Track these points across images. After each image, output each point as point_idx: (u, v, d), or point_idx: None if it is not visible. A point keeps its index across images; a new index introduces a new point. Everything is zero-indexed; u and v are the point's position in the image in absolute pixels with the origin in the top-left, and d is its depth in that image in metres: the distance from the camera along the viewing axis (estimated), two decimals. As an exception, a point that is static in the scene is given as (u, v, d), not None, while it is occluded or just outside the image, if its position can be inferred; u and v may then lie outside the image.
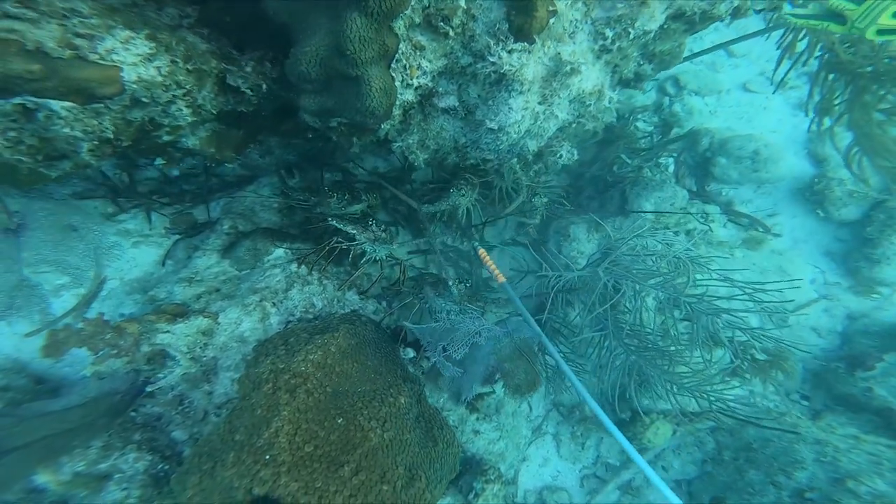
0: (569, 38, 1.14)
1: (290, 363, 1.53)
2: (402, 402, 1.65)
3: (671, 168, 2.48)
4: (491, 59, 1.14)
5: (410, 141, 1.54)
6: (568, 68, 1.16)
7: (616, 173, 2.38)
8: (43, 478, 1.70)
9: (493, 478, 2.17)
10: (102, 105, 1.11)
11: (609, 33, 1.19)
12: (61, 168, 1.26)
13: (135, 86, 1.10)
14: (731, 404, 2.13)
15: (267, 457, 1.37)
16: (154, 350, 1.77)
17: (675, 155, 2.45)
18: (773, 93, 2.49)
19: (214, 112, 1.29)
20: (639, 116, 2.43)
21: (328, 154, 2.42)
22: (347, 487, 1.39)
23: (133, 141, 1.25)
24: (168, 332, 1.80)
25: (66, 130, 1.10)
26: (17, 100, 1.03)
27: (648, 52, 1.38)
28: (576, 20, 1.13)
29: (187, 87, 1.17)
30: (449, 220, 2.41)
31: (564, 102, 1.27)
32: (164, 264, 2.25)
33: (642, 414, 2.19)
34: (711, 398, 2.04)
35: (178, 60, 1.12)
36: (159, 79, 1.11)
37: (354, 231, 1.98)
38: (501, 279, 1.89)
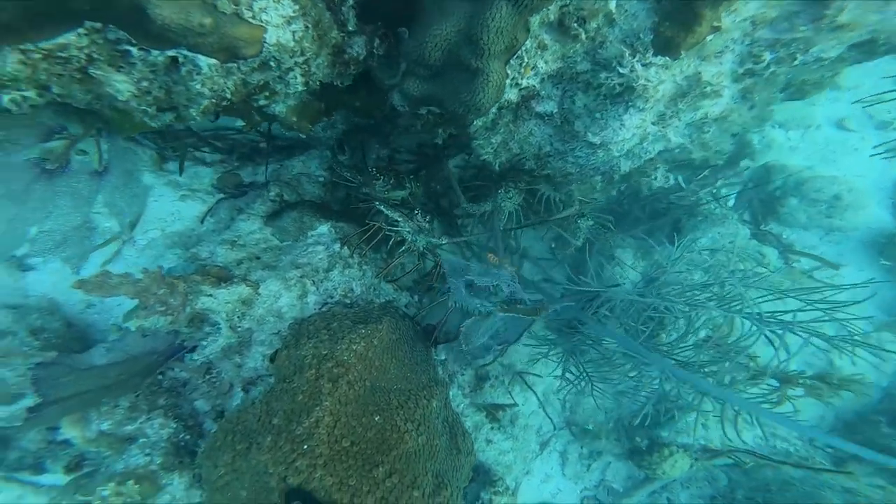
0: (715, 58, 1.04)
1: (334, 351, 1.44)
2: (434, 405, 1.57)
3: (731, 202, 2.39)
4: (621, 70, 1.04)
5: (493, 140, 1.45)
6: (707, 89, 1.06)
7: (670, 199, 2.28)
8: (71, 432, 1.64)
9: (500, 489, 2.11)
10: (236, 65, 1.05)
11: (767, 57, 1.08)
12: (163, 120, 1.19)
13: (271, 48, 1.03)
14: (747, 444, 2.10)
15: (305, 447, 1.29)
16: (195, 312, 1.69)
17: (737, 188, 2.35)
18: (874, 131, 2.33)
19: (319, 83, 1.21)
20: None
21: (385, 136, 2.33)
22: (380, 489, 1.32)
23: (234, 102, 1.18)
24: (211, 296, 1.71)
25: (198, 87, 1.03)
26: (173, 52, 0.97)
27: (793, 82, 1.28)
28: (733, 40, 1.03)
29: (308, 55, 1.08)
30: (487, 221, 2.33)
31: (682, 126, 1.18)
32: (202, 221, 2.17)
33: (663, 445, 2.13)
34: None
35: (309, 26, 1.03)
36: (291, 44, 1.03)
37: (400, 218, 1.90)
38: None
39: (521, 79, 1.19)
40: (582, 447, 2.40)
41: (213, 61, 1.00)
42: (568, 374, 2.19)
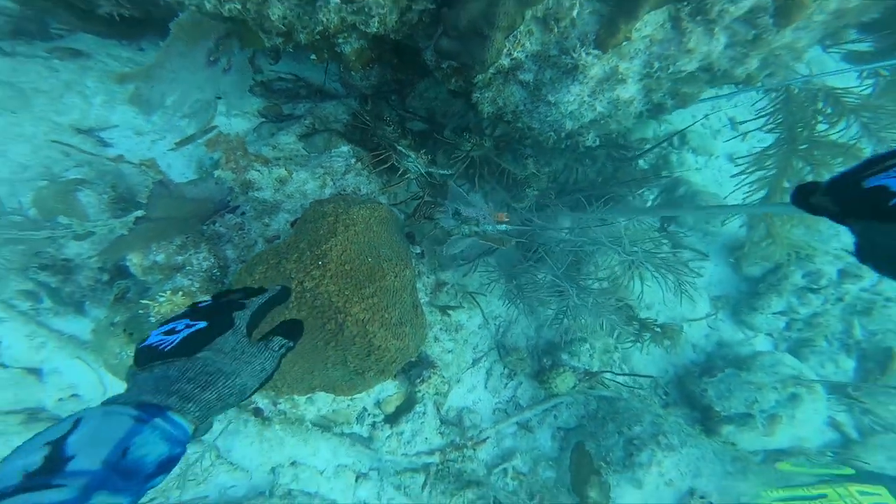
0: (629, 58, 1.70)
1: (349, 210, 2.00)
2: (407, 273, 2.14)
3: (649, 202, 3.11)
4: (573, 55, 1.70)
5: (486, 95, 2.08)
6: (620, 77, 1.72)
7: (602, 186, 3.00)
8: (133, 259, 2.13)
9: (437, 373, 2.69)
10: (348, 5, 1.63)
11: (656, 64, 1.76)
12: (274, 41, 1.77)
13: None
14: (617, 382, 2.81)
15: (320, 262, 1.85)
16: (246, 180, 2.24)
17: (655, 191, 3.08)
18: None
19: (385, 30, 1.81)
20: (639, 152, 3.02)
21: (402, 97, 2.93)
22: (365, 302, 1.88)
23: (326, 34, 1.77)
24: (258, 171, 2.27)
25: (320, 16, 1.62)
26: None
27: (674, 90, 1.97)
28: (639, 49, 1.69)
29: (387, 9, 1.67)
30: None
31: (604, 101, 1.83)
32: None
33: (561, 364, 2.79)
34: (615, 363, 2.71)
35: None
36: None
37: (407, 151, 2.49)
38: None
39: (514, 51, 1.83)
40: (504, 367, 3.00)
41: (337, 0, 1.59)
42: (506, 301, 2.85)
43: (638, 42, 1.68)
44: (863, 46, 2.25)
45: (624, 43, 1.64)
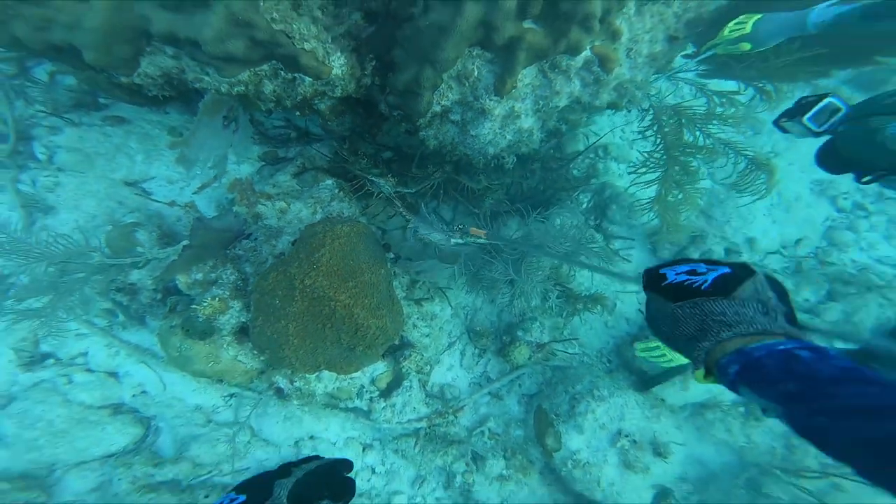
0: (521, 100, 2.39)
1: (334, 227, 2.66)
2: (382, 272, 2.78)
3: (585, 204, 3.78)
4: (481, 101, 2.38)
5: (430, 132, 2.75)
6: (516, 114, 2.41)
7: (545, 194, 3.67)
8: (181, 279, 2.80)
9: (417, 352, 3.32)
10: (319, 81, 2.32)
11: (541, 102, 2.44)
12: (268, 106, 2.46)
13: (333, 77, 2.26)
14: (567, 353, 3.44)
15: (314, 266, 2.51)
16: (256, 213, 2.93)
17: (588, 195, 3.75)
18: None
19: (348, 93, 2.51)
20: (566, 163, 3.69)
21: (373, 135, 3.63)
22: (349, 293, 2.52)
23: (304, 99, 2.47)
24: (264, 205, 2.96)
25: (299, 90, 2.27)
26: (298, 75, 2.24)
27: (563, 117, 2.65)
28: (526, 92, 2.37)
29: (346, 80, 2.32)
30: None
31: (511, 131, 2.51)
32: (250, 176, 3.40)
33: (517, 339, 3.44)
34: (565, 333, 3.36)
35: (348, 68, 2.28)
36: (341, 75, 2.28)
37: (377, 178, 3.17)
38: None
39: (442, 101, 2.52)
40: (475, 348, 3.63)
41: (310, 79, 2.28)
42: (471, 293, 3.50)
43: (524, 88, 2.37)
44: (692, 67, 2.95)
45: (513, 90, 2.33)
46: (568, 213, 3.59)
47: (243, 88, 2.34)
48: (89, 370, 2.81)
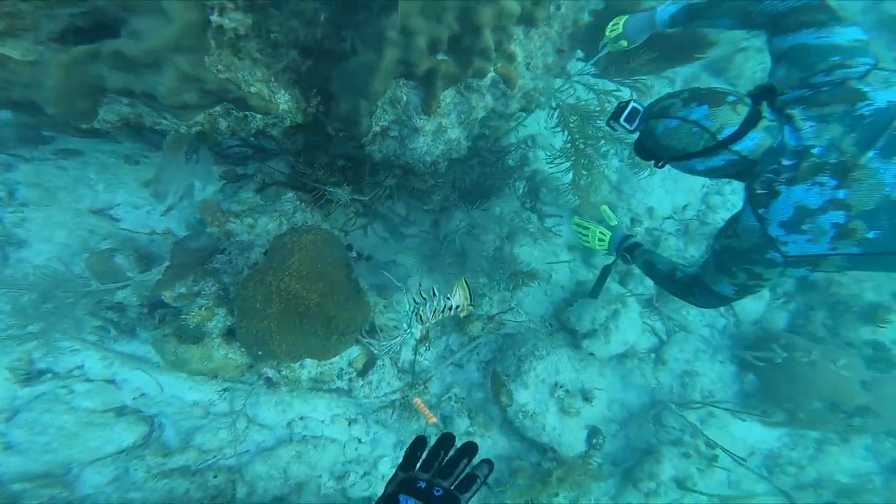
0: (446, 116, 2.83)
1: (300, 237, 3.07)
2: (346, 271, 3.25)
3: (521, 190, 4.29)
4: (413, 121, 2.82)
5: (374, 147, 3.18)
6: (443, 127, 2.86)
7: (486, 184, 4.16)
8: (165, 294, 3.16)
9: (385, 335, 3.80)
10: (268, 116, 2.72)
11: (464, 116, 2.90)
12: (225, 138, 2.83)
13: (280, 111, 2.64)
14: (514, 321, 3.99)
15: (287, 272, 2.93)
16: (226, 230, 3.32)
17: (523, 181, 4.25)
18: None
19: (296, 122, 2.90)
20: (507, 156, 4.17)
21: (327, 149, 4.02)
22: (318, 293, 2.97)
23: (259, 130, 2.85)
24: (234, 223, 3.35)
25: (252, 123, 2.67)
26: (247, 113, 2.62)
27: (486, 125, 3.12)
28: (449, 109, 2.80)
29: (293, 113, 2.69)
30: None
31: (442, 142, 2.96)
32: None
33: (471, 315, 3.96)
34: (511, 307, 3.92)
35: (293, 102, 2.66)
36: (287, 109, 2.64)
37: (333, 188, 3.59)
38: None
39: (381, 122, 2.94)
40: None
41: (260, 115, 2.67)
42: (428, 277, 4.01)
43: (447, 106, 2.82)
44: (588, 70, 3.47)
45: (438, 109, 2.78)
46: (505, 202, 4.10)
47: (200, 127, 2.69)
48: (88, 380, 3.16)
